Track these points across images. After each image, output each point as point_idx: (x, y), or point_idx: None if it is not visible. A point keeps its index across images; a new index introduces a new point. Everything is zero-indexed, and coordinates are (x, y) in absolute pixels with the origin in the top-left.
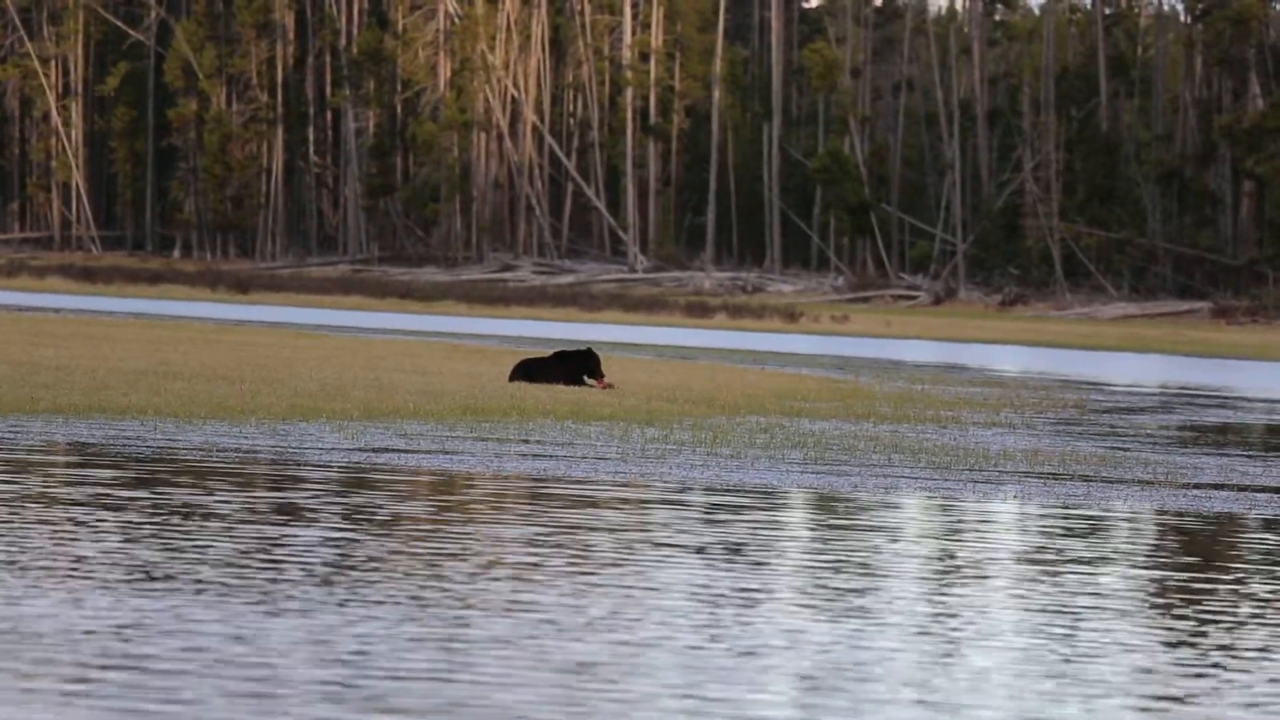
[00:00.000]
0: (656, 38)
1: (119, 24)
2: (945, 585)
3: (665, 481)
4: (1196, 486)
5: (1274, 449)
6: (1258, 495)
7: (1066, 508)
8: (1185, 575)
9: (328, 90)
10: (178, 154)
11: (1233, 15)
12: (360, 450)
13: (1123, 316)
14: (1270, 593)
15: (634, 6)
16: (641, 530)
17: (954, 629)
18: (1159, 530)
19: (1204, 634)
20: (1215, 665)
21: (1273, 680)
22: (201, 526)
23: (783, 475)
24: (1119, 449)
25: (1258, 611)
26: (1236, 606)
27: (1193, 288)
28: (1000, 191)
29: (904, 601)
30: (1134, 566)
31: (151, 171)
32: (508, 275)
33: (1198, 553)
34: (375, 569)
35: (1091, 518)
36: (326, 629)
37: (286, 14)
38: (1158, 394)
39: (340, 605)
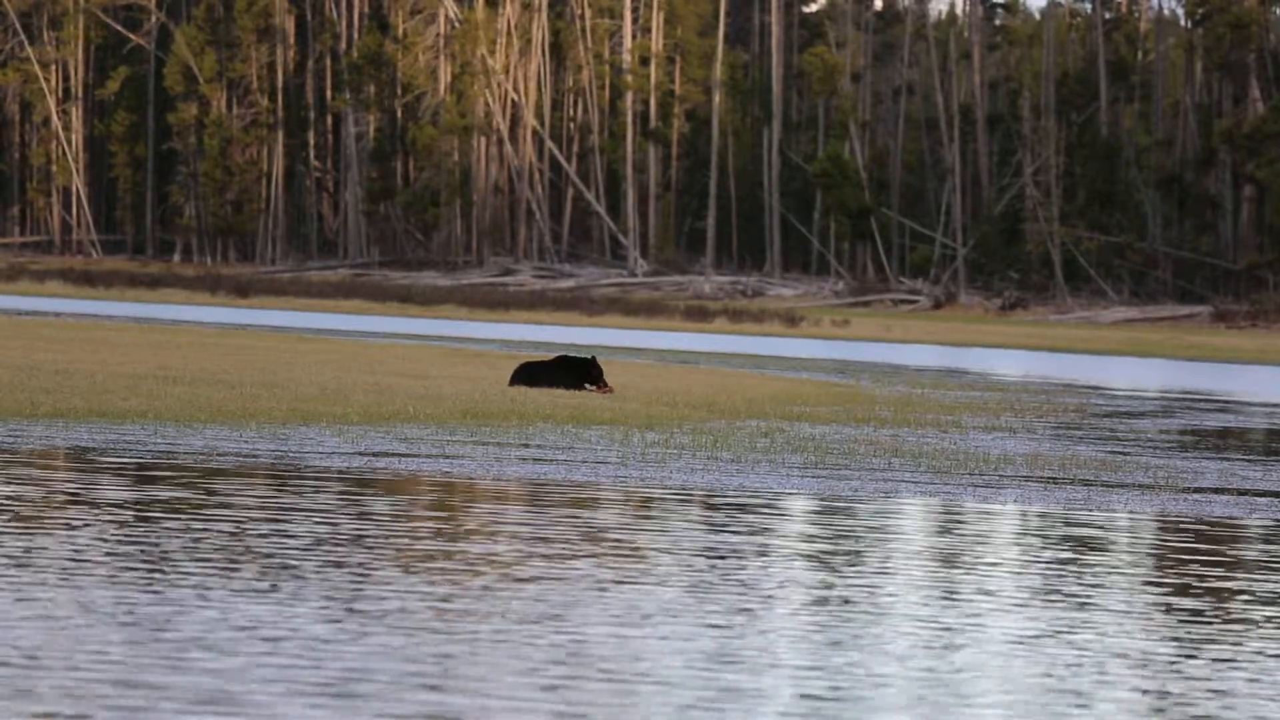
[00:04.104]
0: (656, 42)
1: (119, 28)
2: (944, 589)
3: (665, 485)
4: (1197, 491)
5: (1274, 453)
6: (1258, 499)
7: (1067, 512)
8: (1186, 579)
9: (328, 95)
10: (178, 158)
11: (1232, 20)
12: (360, 454)
13: (1123, 321)
14: (1272, 597)
15: (634, 11)
16: (641, 534)
17: (954, 634)
18: (1159, 534)
19: (1206, 639)
20: (1218, 668)
21: (1274, 688)
22: (204, 526)
23: (783, 479)
24: (1119, 453)
25: (1259, 617)
26: (1239, 610)
27: (1193, 292)
28: (1000, 196)
29: (903, 606)
30: (1135, 570)
31: (152, 176)
32: (508, 279)
33: (1198, 557)
34: (375, 571)
35: (1092, 522)
36: (328, 627)
37: (287, 18)
38: (1158, 398)
39: (341, 606)
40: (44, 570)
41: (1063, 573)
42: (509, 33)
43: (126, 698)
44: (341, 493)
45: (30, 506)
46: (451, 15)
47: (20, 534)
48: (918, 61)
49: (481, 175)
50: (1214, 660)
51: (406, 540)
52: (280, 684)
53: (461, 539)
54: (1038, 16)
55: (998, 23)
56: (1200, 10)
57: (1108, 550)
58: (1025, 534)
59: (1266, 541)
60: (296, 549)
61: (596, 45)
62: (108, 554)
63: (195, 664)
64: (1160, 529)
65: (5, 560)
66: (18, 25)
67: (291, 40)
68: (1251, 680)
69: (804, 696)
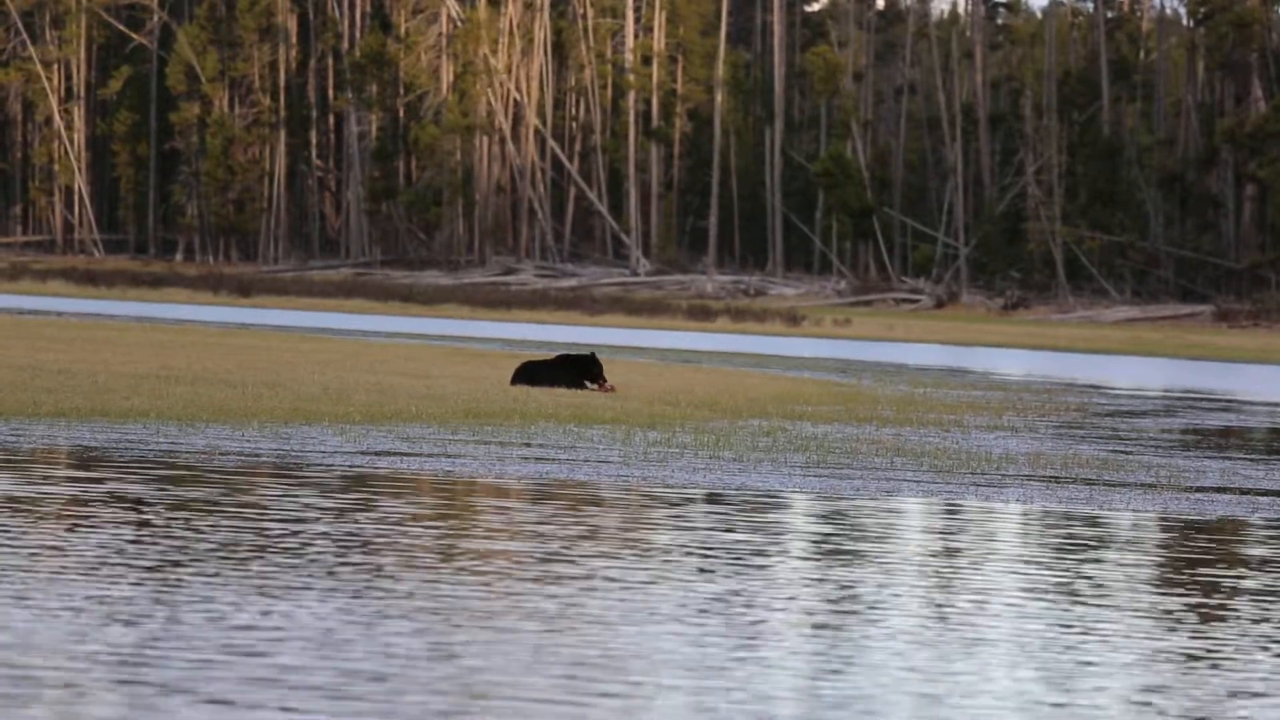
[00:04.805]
0: (659, 41)
1: (121, 28)
2: (947, 587)
3: (667, 485)
4: (1199, 490)
5: (1276, 453)
6: (1260, 499)
7: (1069, 511)
8: (1188, 577)
9: (330, 94)
10: (180, 158)
11: (1235, 19)
12: (362, 453)
13: (1125, 320)
14: (1273, 597)
15: (636, 10)
16: (642, 533)
17: (956, 632)
18: (1161, 533)
19: (1208, 637)
20: (1220, 666)
21: (1274, 690)
22: (210, 525)
23: (785, 479)
24: (1121, 452)
25: (1262, 615)
26: (1241, 609)
27: (1195, 291)
28: (1002, 195)
29: (906, 605)
30: (1137, 569)
31: (154, 175)
32: (510, 279)
33: (1200, 556)
34: (378, 571)
35: (1094, 521)
36: (330, 625)
37: (289, 18)
38: (1160, 397)
39: (345, 604)
40: (46, 569)
41: (1065, 571)
42: (511, 32)
43: (133, 695)
44: (344, 492)
45: (31, 506)
46: (454, 15)
47: (20, 533)
48: (920, 61)
49: (484, 174)
50: (1216, 658)
51: (410, 539)
52: (289, 682)
53: (465, 538)
54: (1040, 16)
55: (1000, 22)
56: (1202, 9)
57: (1110, 549)
58: (1027, 533)
59: (1268, 540)
60: (300, 548)
61: (599, 44)
62: (109, 553)
63: (206, 662)
64: (1162, 528)
65: (8, 559)
66: (20, 24)
67: (294, 39)
68: (1254, 679)
69: (807, 695)
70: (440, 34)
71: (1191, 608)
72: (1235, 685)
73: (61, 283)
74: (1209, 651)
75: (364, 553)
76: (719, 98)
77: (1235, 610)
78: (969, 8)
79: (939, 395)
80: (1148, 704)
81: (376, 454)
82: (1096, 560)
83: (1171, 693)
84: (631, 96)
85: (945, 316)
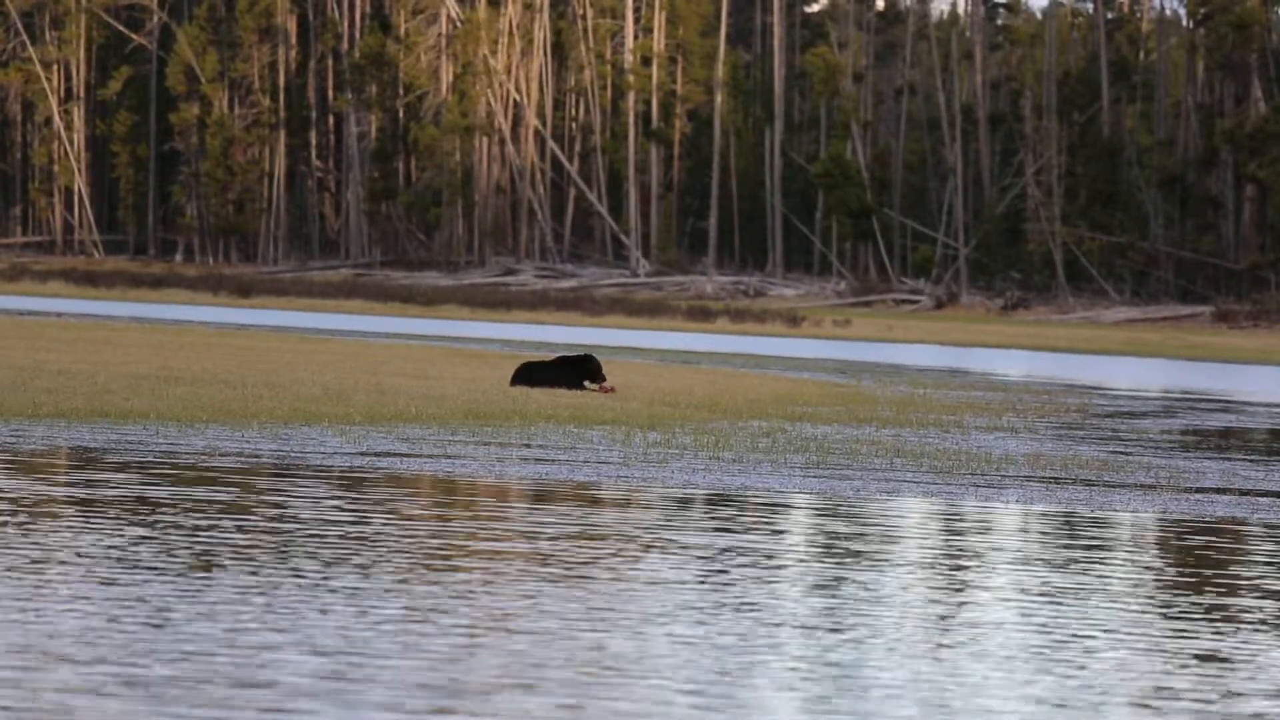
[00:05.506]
0: (658, 42)
1: (121, 28)
2: (947, 588)
3: (667, 486)
4: (1199, 491)
5: (1276, 453)
6: (1260, 500)
7: (1069, 512)
8: (1188, 578)
9: (330, 94)
10: (180, 158)
11: (1234, 20)
12: (362, 454)
13: (1125, 321)
14: (1273, 598)
15: (636, 11)
16: (642, 534)
17: (957, 633)
18: (1161, 534)
19: (1208, 637)
20: (1222, 666)
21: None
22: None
23: (785, 480)
24: (1121, 453)
25: (1263, 614)
26: (1241, 609)
27: (1195, 292)
28: (1002, 196)
29: (906, 606)
30: (1136, 569)
31: (153, 176)
32: (510, 279)
33: (1200, 556)
34: (380, 569)
35: (1093, 522)
36: (331, 627)
37: (288, 18)
38: (1160, 398)
39: (347, 605)
40: (45, 570)
41: (1065, 572)
42: (511, 33)
43: (135, 693)
44: (344, 492)
45: (31, 506)
46: (453, 15)
47: (20, 533)
48: (919, 61)
49: (483, 175)
50: (1220, 658)
51: (412, 539)
52: (297, 682)
53: (467, 539)
54: (1039, 16)
55: (999, 22)
56: (1202, 10)
57: (1110, 550)
58: (1027, 534)
59: (1268, 541)
60: (302, 548)
61: (598, 45)
62: (109, 552)
63: (215, 661)
64: (1162, 529)
65: (9, 560)
66: (19, 25)
67: (293, 40)
68: (1258, 677)
69: (809, 696)
70: (440, 34)
71: (1192, 607)
72: (1239, 684)
73: (61, 283)
74: (1212, 651)
75: (363, 553)
76: (719, 98)
77: (1237, 610)
78: (969, 8)
79: (939, 396)
80: (1152, 703)
81: (376, 455)
82: (1097, 561)
83: (1175, 692)
84: (631, 97)
85: (945, 317)
